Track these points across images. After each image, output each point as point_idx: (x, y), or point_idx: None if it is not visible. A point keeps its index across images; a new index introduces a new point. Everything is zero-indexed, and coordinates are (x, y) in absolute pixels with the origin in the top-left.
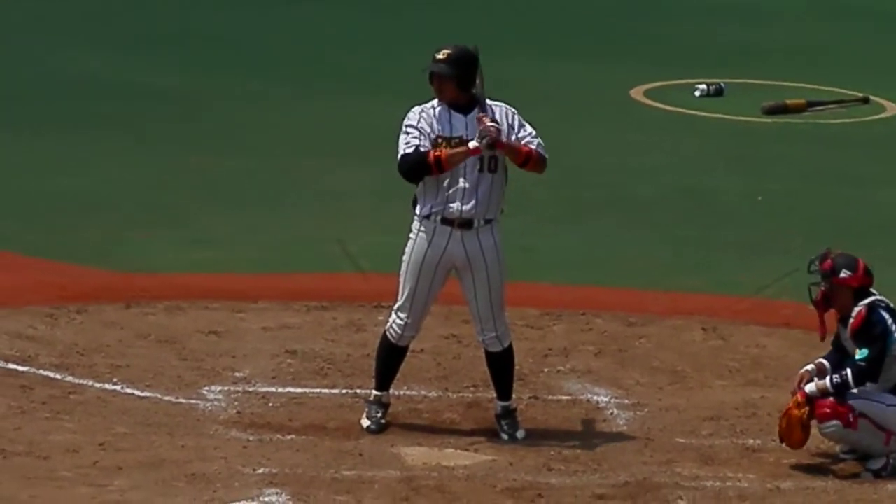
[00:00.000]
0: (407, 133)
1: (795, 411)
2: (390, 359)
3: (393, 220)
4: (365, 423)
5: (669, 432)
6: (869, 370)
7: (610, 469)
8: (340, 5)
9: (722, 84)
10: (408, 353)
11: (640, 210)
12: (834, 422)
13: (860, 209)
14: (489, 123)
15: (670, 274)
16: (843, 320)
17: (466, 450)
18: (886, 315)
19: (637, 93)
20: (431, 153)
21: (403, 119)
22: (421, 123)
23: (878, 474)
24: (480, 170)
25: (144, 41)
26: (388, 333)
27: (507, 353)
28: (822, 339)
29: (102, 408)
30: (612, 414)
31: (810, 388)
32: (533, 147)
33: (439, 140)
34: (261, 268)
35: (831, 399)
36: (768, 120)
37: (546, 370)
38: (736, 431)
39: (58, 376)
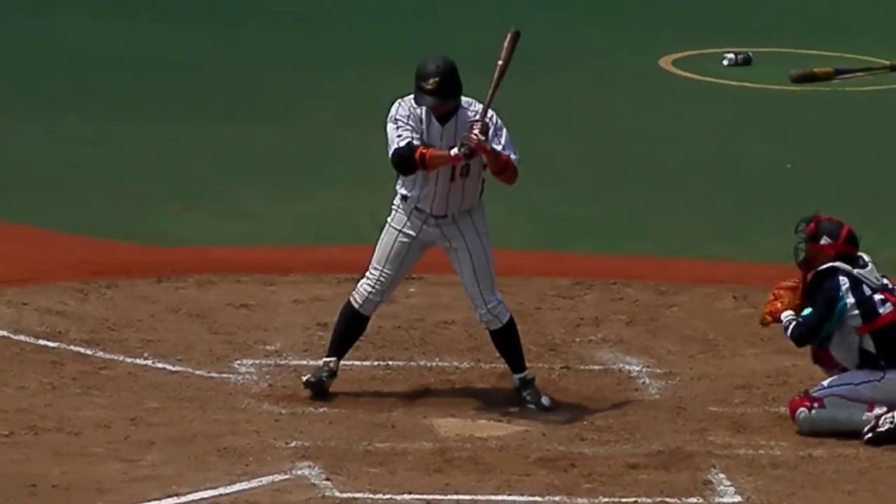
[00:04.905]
0: (397, 123)
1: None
2: (349, 326)
3: None
4: (304, 376)
5: (701, 401)
6: (808, 330)
7: (642, 438)
8: None
9: (750, 53)
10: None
11: (670, 178)
12: (800, 409)
13: (888, 176)
14: (475, 133)
15: (700, 242)
16: None
17: (499, 421)
18: (844, 281)
19: (665, 62)
20: (418, 151)
21: (389, 109)
22: (411, 121)
23: (875, 431)
24: (452, 178)
25: (167, 15)
26: (351, 298)
27: (509, 328)
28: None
29: (133, 383)
30: (643, 383)
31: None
32: (513, 158)
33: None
34: (291, 240)
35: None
36: (796, 88)
37: (578, 340)
38: (768, 399)
39: (88, 352)
